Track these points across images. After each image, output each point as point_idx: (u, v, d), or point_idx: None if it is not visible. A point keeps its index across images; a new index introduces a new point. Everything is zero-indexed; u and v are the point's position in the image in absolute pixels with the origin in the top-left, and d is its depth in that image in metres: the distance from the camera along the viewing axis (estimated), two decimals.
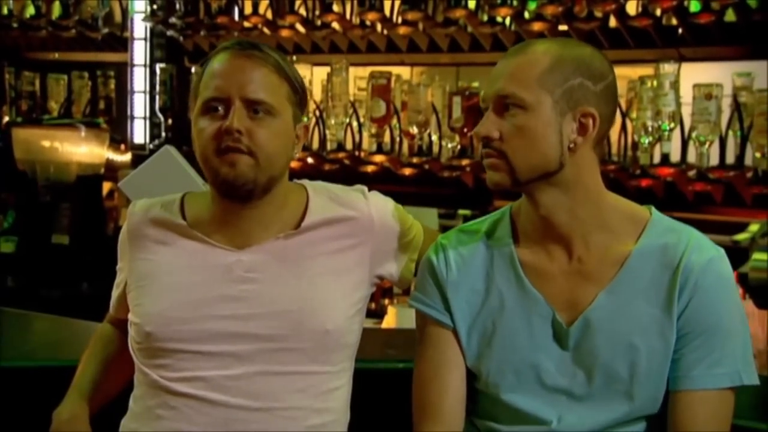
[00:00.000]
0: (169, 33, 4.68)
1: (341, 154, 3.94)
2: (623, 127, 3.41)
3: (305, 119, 1.62)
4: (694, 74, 3.36)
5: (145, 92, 4.86)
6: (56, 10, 4.97)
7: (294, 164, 1.63)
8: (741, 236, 3.47)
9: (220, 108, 1.50)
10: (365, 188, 1.66)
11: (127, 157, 4.72)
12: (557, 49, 1.43)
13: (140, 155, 4.40)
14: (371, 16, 3.98)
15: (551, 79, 1.40)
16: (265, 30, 4.30)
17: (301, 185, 1.64)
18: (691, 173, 3.30)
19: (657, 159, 3.35)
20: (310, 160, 3.99)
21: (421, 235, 1.68)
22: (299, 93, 1.57)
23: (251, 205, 1.54)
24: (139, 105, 4.90)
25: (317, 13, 4.14)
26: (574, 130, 1.42)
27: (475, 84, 3.82)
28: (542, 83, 1.40)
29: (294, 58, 4.09)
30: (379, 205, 1.64)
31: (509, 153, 1.42)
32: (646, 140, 3.32)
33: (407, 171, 3.87)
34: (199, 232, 1.57)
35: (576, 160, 1.43)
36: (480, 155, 1.48)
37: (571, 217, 1.45)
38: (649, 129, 3.29)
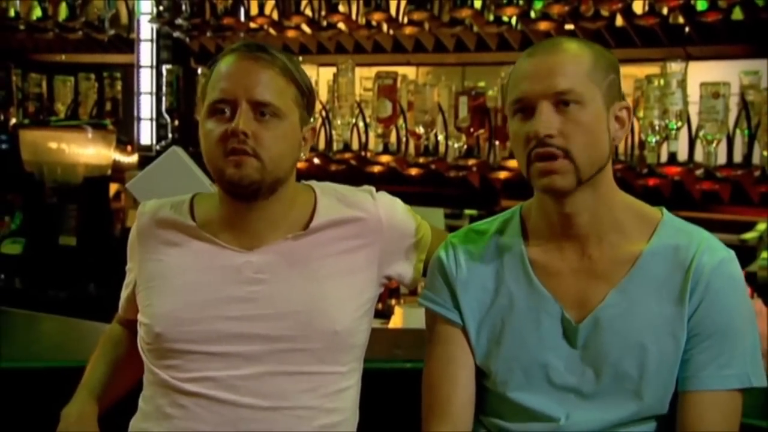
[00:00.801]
0: (176, 34, 4.68)
1: (347, 155, 3.94)
2: (630, 126, 3.40)
3: (312, 120, 1.62)
4: (701, 73, 3.35)
5: (151, 93, 4.87)
6: (63, 11, 4.98)
7: (300, 165, 1.63)
8: (749, 235, 3.46)
9: (226, 110, 1.50)
10: (373, 189, 1.66)
11: (133, 158, 4.73)
12: (588, 46, 1.45)
13: (147, 156, 4.40)
14: (377, 17, 3.97)
15: (597, 74, 1.42)
16: (271, 31, 4.30)
17: (309, 186, 1.64)
18: (699, 172, 3.30)
19: (664, 158, 3.34)
20: (316, 160, 3.99)
21: (429, 235, 1.68)
22: (306, 95, 1.57)
23: (259, 206, 1.55)
24: (146, 106, 4.90)
25: (323, 13, 4.14)
26: (615, 122, 1.44)
27: (482, 84, 3.81)
28: (592, 78, 1.41)
29: (300, 58, 4.09)
30: (387, 206, 1.64)
31: (573, 150, 1.39)
32: (653, 139, 3.31)
33: (413, 171, 3.86)
34: (209, 233, 1.57)
35: None
36: (529, 157, 1.40)
37: (592, 216, 1.45)
38: (656, 128, 3.28)
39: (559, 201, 1.44)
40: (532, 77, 1.41)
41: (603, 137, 1.42)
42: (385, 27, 4.06)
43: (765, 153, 3.16)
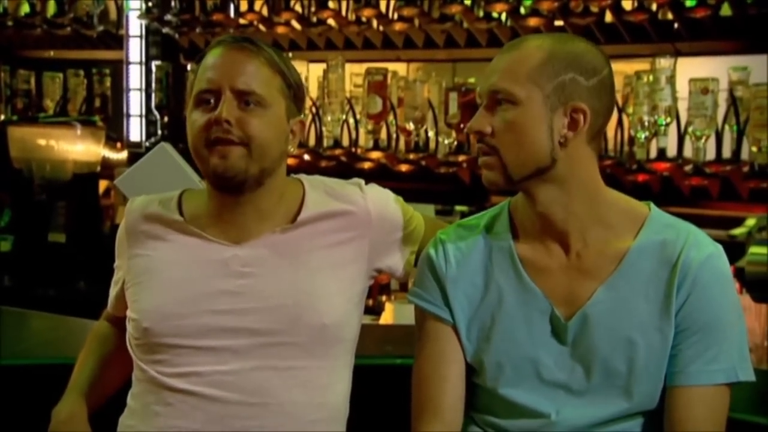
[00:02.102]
0: (165, 30, 4.67)
1: (338, 151, 3.94)
2: (619, 123, 3.42)
3: (302, 116, 1.62)
4: (690, 69, 3.36)
5: (140, 90, 4.86)
6: (51, 7, 4.96)
7: (290, 161, 1.63)
8: (738, 231, 3.47)
9: (211, 100, 1.50)
10: (362, 181, 1.65)
11: (123, 154, 4.72)
12: (550, 44, 1.43)
13: (136, 153, 4.39)
14: (367, 13, 3.97)
15: (542, 74, 1.41)
16: (261, 27, 4.30)
17: (297, 179, 1.63)
18: (688, 168, 3.31)
19: (653, 154, 3.35)
20: (306, 156, 3.99)
21: (422, 226, 1.68)
22: (294, 88, 1.56)
23: (247, 199, 1.54)
24: (135, 103, 4.90)
25: (313, 9, 4.14)
26: (564, 125, 1.42)
27: (472, 80, 3.82)
28: (533, 78, 1.41)
29: (290, 54, 4.09)
30: (376, 198, 1.63)
31: (501, 149, 1.43)
32: (642, 135, 3.32)
33: (404, 167, 3.86)
34: (196, 228, 1.57)
35: (570, 154, 1.43)
36: (476, 152, 1.48)
37: (568, 213, 1.45)
38: (646, 124, 3.29)
39: (528, 198, 1.46)
40: (483, 76, 1.47)
41: (538, 138, 1.41)
42: (375, 23, 4.06)
43: (753, 149, 3.17)
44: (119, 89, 4.92)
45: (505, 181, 1.44)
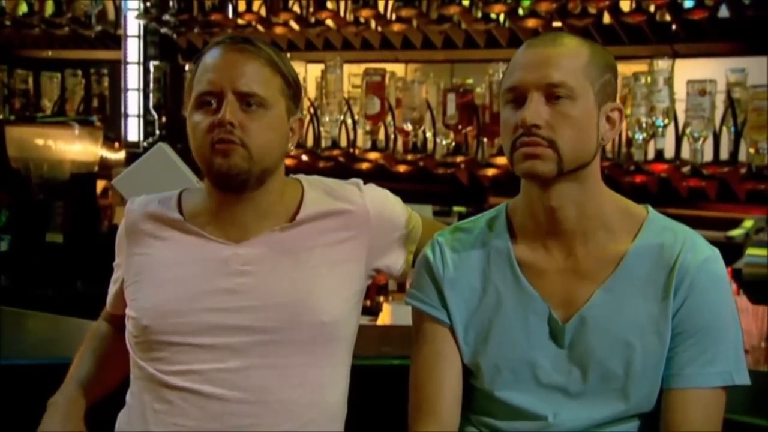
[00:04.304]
0: (163, 30, 4.68)
1: (336, 152, 3.94)
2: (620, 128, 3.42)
3: (300, 114, 1.63)
4: (687, 70, 3.37)
5: (138, 90, 4.87)
6: (49, 7, 4.96)
7: (288, 161, 1.64)
8: (735, 232, 3.47)
9: (213, 102, 1.51)
10: (360, 182, 1.66)
11: (121, 154, 4.72)
12: (586, 43, 1.45)
13: (134, 153, 4.40)
14: (365, 13, 3.98)
15: (592, 71, 1.42)
16: (259, 27, 4.30)
17: (296, 179, 1.64)
18: (685, 169, 3.31)
19: (651, 155, 3.36)
20: (304, 157, 3.99)
21: (419, 226, 1.68)
22: (293, 87, 1.57)
23: (247, 197, 1.55)
24: (133, 103, 4.90)
25: (311, 10, 4.14)
26: (605, 123, 1.44)
27: (470, 81, 3.82)
28: (586, 74, 1.41)
29: (288, 55, 4.08)
30: (375, 198, 1.64)
31: (559, 142, 1.40)
32: (640, 136, 3.33)
33: (402, 168, 3.87)
34: (196, 226, 1.57)
35: (597, 155, 1.45)
36: (514, 144, 1.41)
37: (579, 213, 1.45)
38: (643, 125, 3.30)
39: (544, 193, 1.44)
40: (526, 67, 1.42)
41: (591, 134, 1.42)
42: (373, 24, 4.07)
43: (751, 150, 3.18)
44: (117, 89, 4.92)
45: (558, 173, 1.41)
